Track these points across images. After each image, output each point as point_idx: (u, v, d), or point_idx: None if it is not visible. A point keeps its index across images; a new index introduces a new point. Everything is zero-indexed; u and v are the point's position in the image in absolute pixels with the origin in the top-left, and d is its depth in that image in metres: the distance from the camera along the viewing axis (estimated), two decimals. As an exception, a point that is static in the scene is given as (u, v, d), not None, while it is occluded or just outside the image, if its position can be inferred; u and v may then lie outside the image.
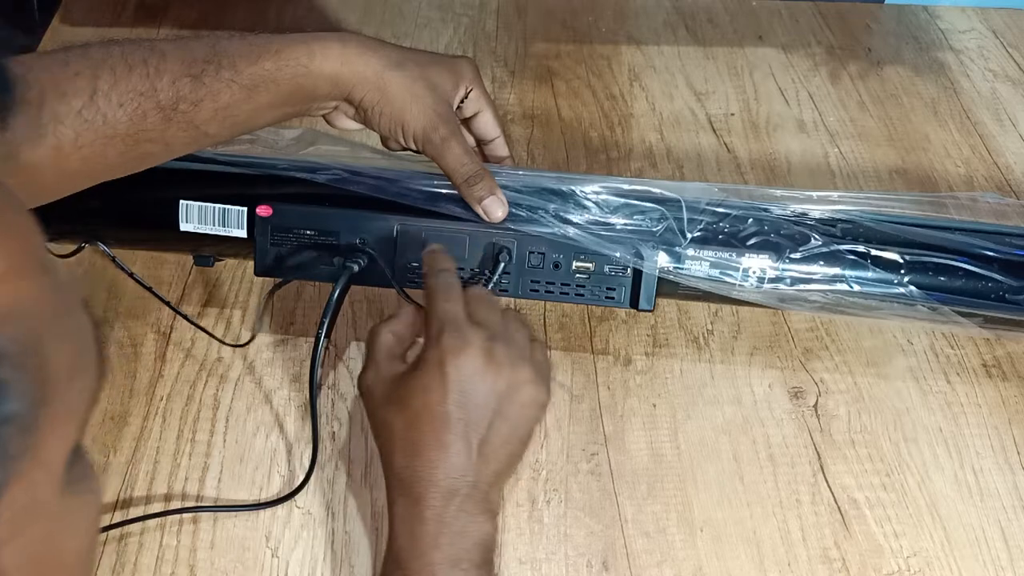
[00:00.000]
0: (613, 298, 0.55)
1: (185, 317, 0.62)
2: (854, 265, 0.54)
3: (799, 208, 0.56)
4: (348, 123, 0.55)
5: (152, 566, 0.51)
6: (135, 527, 0.53)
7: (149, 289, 0.60)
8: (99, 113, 0.45)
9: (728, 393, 0.60)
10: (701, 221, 0.54)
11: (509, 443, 0.46)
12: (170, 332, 0.63)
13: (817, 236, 0.54)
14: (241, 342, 0.62)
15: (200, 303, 0.64)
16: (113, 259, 0.59)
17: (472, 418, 0.44)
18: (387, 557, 0.45)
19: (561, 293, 0.55)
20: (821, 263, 0.54)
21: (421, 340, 0.49)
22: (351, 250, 0.54)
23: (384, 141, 0.56)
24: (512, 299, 0.64)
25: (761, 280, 0.54)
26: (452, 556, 0.43)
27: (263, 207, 0.55)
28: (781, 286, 0.54)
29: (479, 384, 0.44)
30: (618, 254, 0.53)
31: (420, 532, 0.43)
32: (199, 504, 0.54)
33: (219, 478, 0.55)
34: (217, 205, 0.56)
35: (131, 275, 0.60)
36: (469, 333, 0.45)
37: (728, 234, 0.54)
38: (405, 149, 0.54)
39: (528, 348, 0.48)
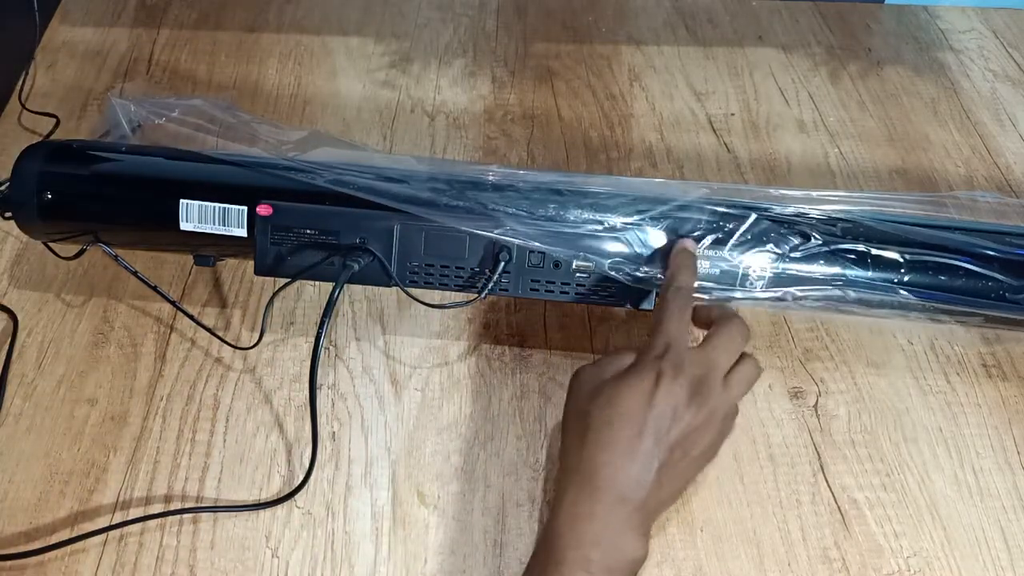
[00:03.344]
0: (613, 298, 0.55)
1: (191, 317, 0.62)
2: (854, 264, 0.54)
3: (799, 208, 0.56)
4: None
5: (152, 566, 0.51)
6: (135, 527, 0.53)
7: (154, 288, 0.60)
8: None
9: (728, 393, 0.60)
10: (701, 221, 0.54)
11: (681, 478, 0.47)
12: (170, 332, 0.63)
13: (817, 236, 0.54)
14: (243, 343, 0.62)
15: (200, 303, 0.64)
16: (116, 258, 0.59)
17: (663, 442, 0.45)
18: (542, 542, 0.46)
19: (561, 293, 0.55)
20: (821, 263, 0.54)
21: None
22: (351, 249, 0.54)
23: None
24: (512, 298, 0.64)
25: (761, 280, 0.54)
26: (608, 563, 0.43)
27: (263, 206, 0.55)
28: (781, 285, 0.54)
29: (681, 414, 0.45)
30: (617, 253, 0.53)
31: (585, 527, 0.44)
32: (199, 504, 0.54)
33: (219, 478, 0.55)
34: (217, 204, 0.56)
35: (135, 273, 0.60)
36: (688, 366, 0.46)
37: (728, 234, 0.54)
38: None
39: (736, 397, 0.48)
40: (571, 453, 0.47)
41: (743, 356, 0.49)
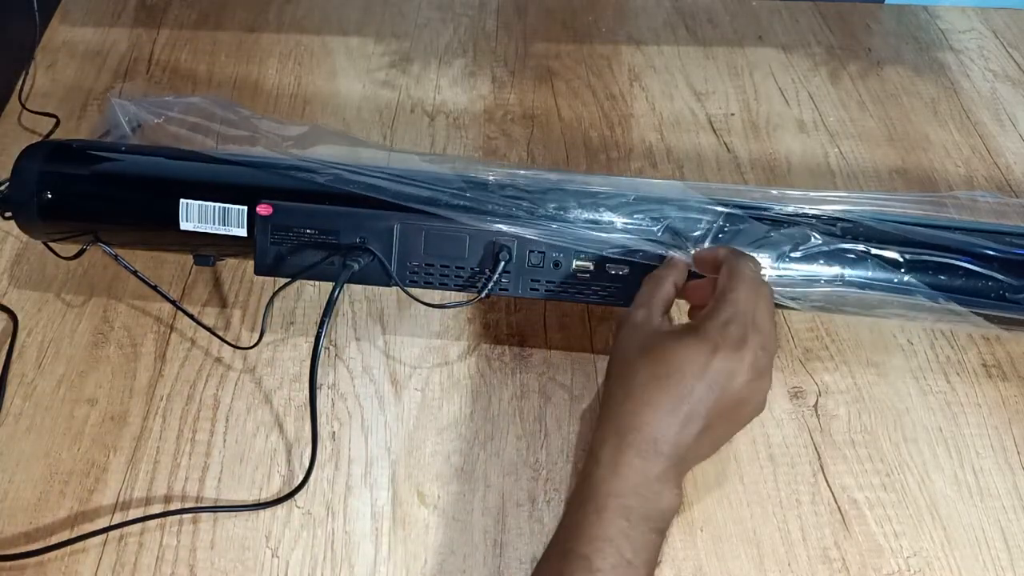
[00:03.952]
0: (613, 298, 0.55)
1: (191, 316, 0.62)
2: (854, 264, 0.54)
3: (799, 208, 0.56)
4: None
5: (152, 566, 0.51)
6: (135, 527, 0.53)
7: (154, 288, 0.60)
8: None
9: (728, 393, 0.60)
10: (701, 220, 0.54)
11: (718, 441, 0.48)
12: (170, 332, 0.63)
13: (817, 235, 0.54)
14: (243, 343, 0.62)
15: (200, 303, 0.64)
16: (116, 257, 0.59)
17: (710, 406, 0.46)
18: (580, 488, 0.46)
19: (561, 292, 0.55)
20: (821, 262, 0.54)
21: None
22: (351, 249, 0.54)
23: None
24: (512, 298, 0.64)
25: (761, 280, 0.54)
26: (646, 511, 0.45)
27: (263, 206, 0.55)
28: (781, 285, 0.54)
29: (733, 383, 0.46)
30: (618, 253, 0.53)
31: (625, 477, 0.45)
32: (199, 504, 0.54)
33: (219, 478, 0.55)
34: (217, 204, 0.56)
35: (135, 273, 0.60)
36: (751, 336, 0.46)
37: (728, 233, 0.54)
38: None
39: (772, 334, 0.49)
40: (615, 403, 0.47)
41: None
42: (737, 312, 0.47)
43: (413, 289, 0.56)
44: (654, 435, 0.45)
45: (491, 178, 0.57)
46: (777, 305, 0.55)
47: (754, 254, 0.53)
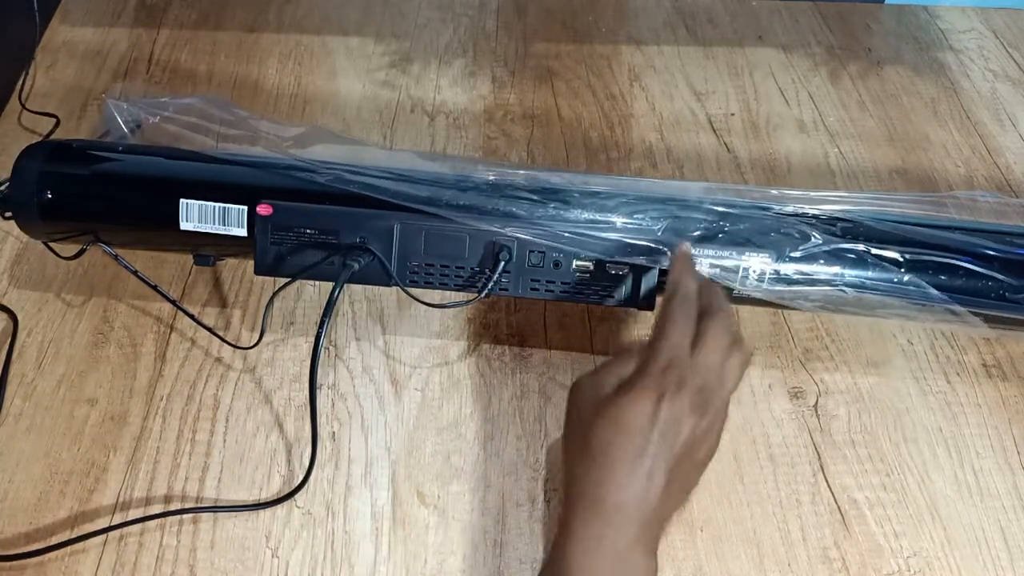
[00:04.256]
0: (613, 298, 0.55)
1: (191, 316, 0.62)
2: (854, 264, 0.54)
3: (799, 208, 0.56)
4: None
5: (152, 566, 0.51)
6: (135, 527, 0.53)
7: (154, 288, 0.60)
8: None
9: (728, 393, 0.60)
10: (701, 220, 0.54)
11: (686, 485, 0.47)
12: (170, 332, 0.63)
13: (817, 235, 0.54)
14: (243, 343, 0.62)
15: (200, 303, 0.64)
16: (116, 257, 0.59)
17: (668, 457, 0.45)
18: (552, 565, 0.45)
19: (561, 292, 0.55)
20: (821, 262, 0.54)
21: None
22: (351, 249, 0.54)
23: None
24: (512, 298, 0.64)
25: (761, 279, 0.54)
26: None
27: (263, 206, 0.55)
28: (781, 285, 0.54)
29: (683, 426, 0.45)
30: (618, 253, 0.53)
31: (595, 552, 0.43)
32: (199, 504, 0.54)
33: (219, 478, 0.55)
34: (217, 204, 0.56)
35: (135, 273, 0.60)
36: (690, 377, 0.46)
37: (728, 233, 0.54)
38: None
39: (731, 390, 0.48)
40: (576, 474, 0.46)
41: (736, 347, 0.48)
42: (672, 356, 0.46)
43: (413, 289, 0.56)
44: (620, 501, 0.44)
45: (491, 178, 0.57)
46: (778, 305, 0.55)
47: (754, 254, 0.53)
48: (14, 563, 0.51)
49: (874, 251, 0.54)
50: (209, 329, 0.62)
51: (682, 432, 0.45)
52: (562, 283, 0.55)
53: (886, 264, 0.54)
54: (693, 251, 0.53)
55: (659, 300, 0.50)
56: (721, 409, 0.47)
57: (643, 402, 0.45)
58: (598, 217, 0.55)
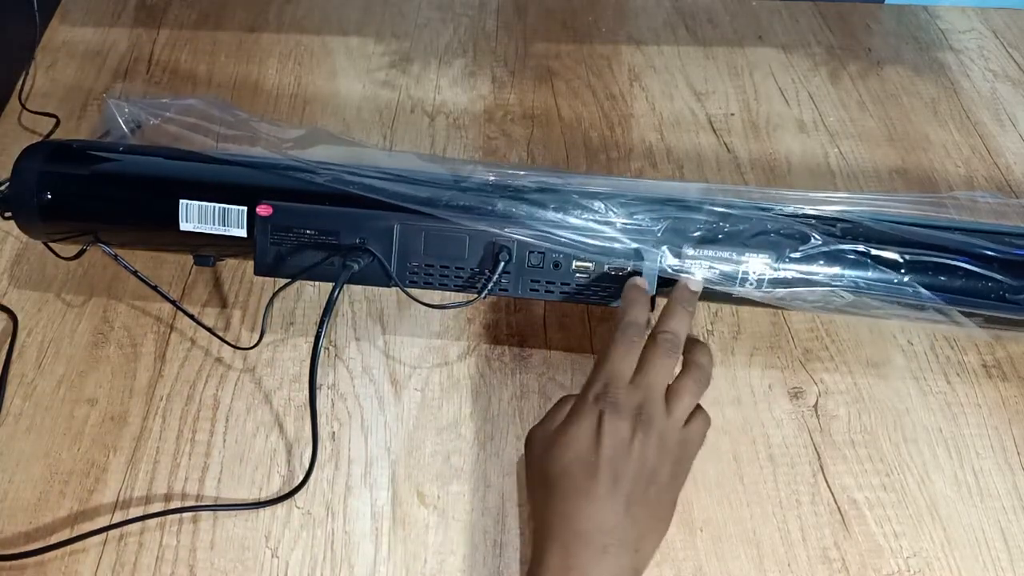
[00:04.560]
0: (613, 298, 0.55)
1: (191, 316, 0.62)
2: (854, 265, 0.54)
3: (799, 208, 0.56)
4: None
5: (152, 566, 0.51)
6: (135, 527, 0.53)
7: (154, 288, 0.60)
8: None
9: (728, 393, 0.60)
10: (701, 221, 0.54)
11: (656, 509, 0.47)
12: (170, 332, 0.63)
13: (817, 236, 0.54)
14: (243, 343, 0.62)
15: (200, 303, 0.64)
16: (116, 258, 0.59)
17: (622, 478, 0.45)
18: None
19: (561, 293, 0.55)
20: (821, 263, 0.54)
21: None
22: (351, 249, 0.54)
23: None
24: (512, 298, 0.64)
25: (761, 280, 0.54)
26: None
27: (263, 206, 0.55)
28: (781, 286, 0.54)
29: (630, 446, 0.46)
30: (618, 252, 0.53)
31: None
32: (199, 504, 0.54)
33: (219, 478, 0.55)
34: (217, 204, 0.56)
35: (135, 273, 0.60)
36: (626, 397, 0.47)
37: (728, 234, 0.54)
38: None
39: (681, 419, 0.48)
40: (540, 512, 0.47)
41: (685, 373, 0.49)
42: (609, 379, 0.47)
43: (413, 289, 0.56)
44: (585, 527, 0.44)
45: (491, 178, 0.57)
46: (777, 306, 0.55)
47: (754, 255, 0.53)
48: (14, 563, 0.51)
49: (874, 252, 0.54)
50: (209, 329, 0.62)
51: (630, 453, 0.45)
52: (562, 284, 0.55)
53: (886, 265, 0.54)
54: (692, 251, 0.53)
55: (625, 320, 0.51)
56: (672, 435, 0.47)
57: (584, 424, 0.46)
58: (598, 218, 0.55)
